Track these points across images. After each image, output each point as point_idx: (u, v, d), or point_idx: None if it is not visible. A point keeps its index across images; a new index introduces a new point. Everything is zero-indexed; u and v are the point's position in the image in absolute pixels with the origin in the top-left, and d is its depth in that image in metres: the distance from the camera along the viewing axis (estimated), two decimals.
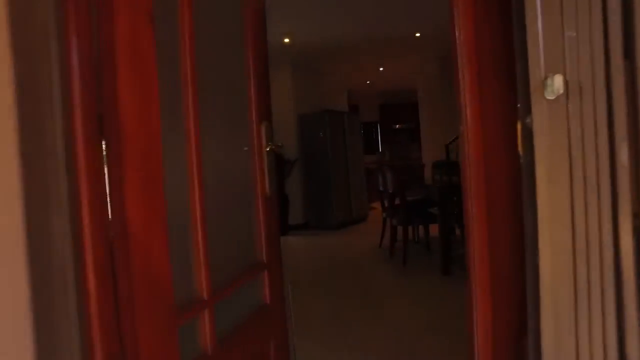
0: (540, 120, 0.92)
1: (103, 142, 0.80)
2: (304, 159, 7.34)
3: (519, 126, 1.03)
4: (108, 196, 0.81)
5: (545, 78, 0.91)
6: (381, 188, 4.92)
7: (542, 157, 0.93)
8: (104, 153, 0.80)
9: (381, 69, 8.97)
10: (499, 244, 1.29)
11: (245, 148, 1.33)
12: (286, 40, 6.28)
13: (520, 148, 1.04)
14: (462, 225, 4.00)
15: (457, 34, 1.27)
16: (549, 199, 0.92)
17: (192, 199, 1.03)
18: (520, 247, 1.09)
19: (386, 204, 5.05)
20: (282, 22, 5.58)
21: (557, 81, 0.89)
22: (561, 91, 0.89)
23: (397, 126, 12.15)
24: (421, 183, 4.37)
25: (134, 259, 0.83)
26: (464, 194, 1.31)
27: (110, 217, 0.81)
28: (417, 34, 6.56)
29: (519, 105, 1.02)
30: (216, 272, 1.08)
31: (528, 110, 0.94)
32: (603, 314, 0.89)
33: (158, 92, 0.91)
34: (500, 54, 1.27)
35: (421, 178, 5.29)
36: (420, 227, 4.85)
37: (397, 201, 4.50)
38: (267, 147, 1.34)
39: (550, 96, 0.90)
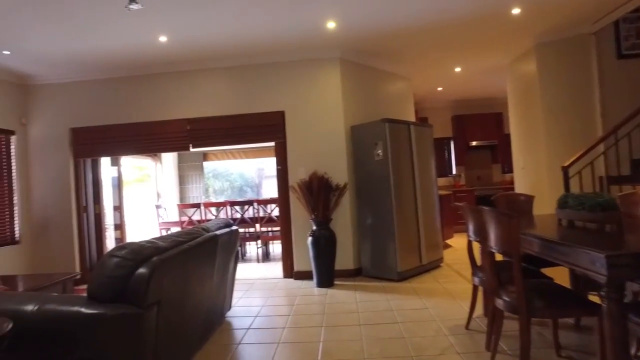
0: None
1: None
2: (357, 183, 5.61)
3: None
4: None
5: None
6: (472, 236, 3.08)
7: None
8: None
9: (457, 69, 7.08)
10: None
11: None
12: (330, 24, 4.64)
13: None
14: None
15: None
16: None
17: None
18: None
19: (477, 262, 3.20)
20: None
21: None
22: None
23: (475, 143, 10.09)
24: (531, 229, 2.52)
25: None
26: None
27: None
28: (515, 10, 4.67)
29: None
30: None
31: None
32: None
33: None
34: None
35: (529, 216, 3.41)
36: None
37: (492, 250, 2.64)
38: None
39: None
